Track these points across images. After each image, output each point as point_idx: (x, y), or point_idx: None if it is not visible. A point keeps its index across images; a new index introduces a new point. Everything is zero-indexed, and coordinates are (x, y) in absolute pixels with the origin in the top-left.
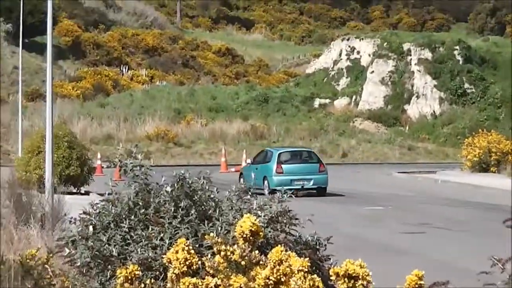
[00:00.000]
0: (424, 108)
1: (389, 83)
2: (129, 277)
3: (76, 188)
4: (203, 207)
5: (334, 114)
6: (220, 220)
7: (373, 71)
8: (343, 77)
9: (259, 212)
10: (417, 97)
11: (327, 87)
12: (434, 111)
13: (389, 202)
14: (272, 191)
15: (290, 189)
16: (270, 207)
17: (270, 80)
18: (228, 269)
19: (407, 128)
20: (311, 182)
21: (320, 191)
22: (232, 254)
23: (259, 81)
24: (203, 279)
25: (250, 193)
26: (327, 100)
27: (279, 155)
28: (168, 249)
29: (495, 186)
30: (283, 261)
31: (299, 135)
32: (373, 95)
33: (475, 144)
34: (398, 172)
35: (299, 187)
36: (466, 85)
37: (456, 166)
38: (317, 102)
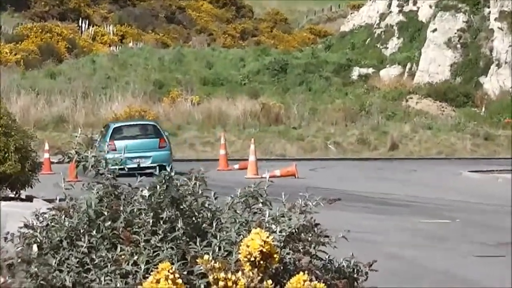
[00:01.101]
0: (507, 81)
1: (458, 46)
2: None
3: (15, 192)
4: (194, 218)
5: (380, 89)
6: (218, 237)
7: (435, 29)
8: (393, 38)
9: (273, 227)
10: (498, 65)
11: (370, 51)
12: None
13: (457, 213)
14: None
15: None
16: (289, 219)
17: (290, 41)
18: None
19: (484, 109)
20: (150, 160)
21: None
22: (235, 285)
23: (275, 42)
24: None
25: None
26: (371, 70)
27: (114, 129)
28: (145, 277)
29: None
30: None
31: (330, 118)
32: (436, 63)
33: None
34: (470, 171)
35: (135, 165)
36: None
37: None
38: (356, 72)
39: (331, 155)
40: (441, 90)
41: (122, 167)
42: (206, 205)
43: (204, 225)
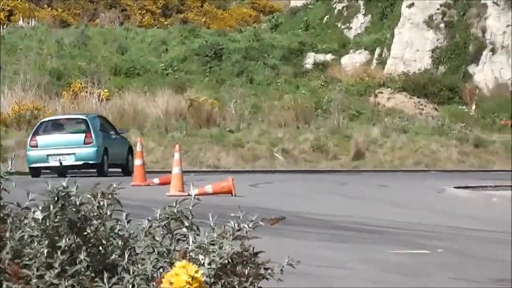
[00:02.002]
0: (504, 71)
1: (442, 25)
2: None
3: None
4: (101, 248)
5: (341, 81)
6: (131, 271)
7: (412, 4)
8: (358, 15)
9: (201, 257)
10: (492, 51)
11: (329, 32)
12: None
13: (440, 241)
14: (31, 171)
15: (47, 168)
16: (221, 247)
17: (227, 19)
18: None
19: (474, 107)
20: (73, 157)
21: (100, 170)
22: None
23: (206, 20)
24: None
25: (187, 222)
26: (330, 56)
27: (40, 124)
28: None
29: None
30: None
31: (277, 119)
32: (413, 47)
33: None
34: (457, 188)
35: (57, 164)
36: None
37: None
38: (310, 59)
39: (278, 166)
40: (420, 82)
41: (44, 165)
42: (117, 231)
43: (113, 256)
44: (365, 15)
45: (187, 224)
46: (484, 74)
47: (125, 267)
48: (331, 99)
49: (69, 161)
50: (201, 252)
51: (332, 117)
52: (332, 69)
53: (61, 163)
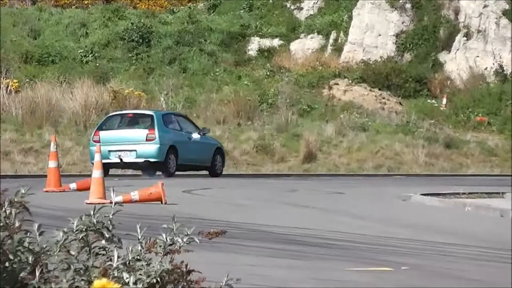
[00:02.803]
0: (481, 60)
1: (408, 6)
2: None
3: None
4: (8, 264)
5: (290, 71)
6: None
7: None
8: None
9: (125, 275)
10: (467, 36)
11: (276, 14)
12: (502, 67)
13: (404, 257)
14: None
15: (108, 164)
16: (148, 264)
17: None
18: None
19: (445, 101)
20: (134, 154)
21: (164, 169)
22: None
23: None
24: None
25: (108, 233)
26: (277, 42)
27: (107, 118)
28: None
29: None
30: None
31: (215, 115)
32: (374, 31)
33: None
34: (424, 195)
35: (117, 160)
36: None
37: None
38: (254, 45)
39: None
40: (382, 72)
41: (105, 161)
42: (26, 244)
43: (22, 273)
44: None
45: (108, 236)
46: (457, 63)
47: (36, 286)
48: (278, 91)
49: (130, 158)
50: (126, 269)
51: (279, 112)
52: (280, 56)
53: (121, 159)
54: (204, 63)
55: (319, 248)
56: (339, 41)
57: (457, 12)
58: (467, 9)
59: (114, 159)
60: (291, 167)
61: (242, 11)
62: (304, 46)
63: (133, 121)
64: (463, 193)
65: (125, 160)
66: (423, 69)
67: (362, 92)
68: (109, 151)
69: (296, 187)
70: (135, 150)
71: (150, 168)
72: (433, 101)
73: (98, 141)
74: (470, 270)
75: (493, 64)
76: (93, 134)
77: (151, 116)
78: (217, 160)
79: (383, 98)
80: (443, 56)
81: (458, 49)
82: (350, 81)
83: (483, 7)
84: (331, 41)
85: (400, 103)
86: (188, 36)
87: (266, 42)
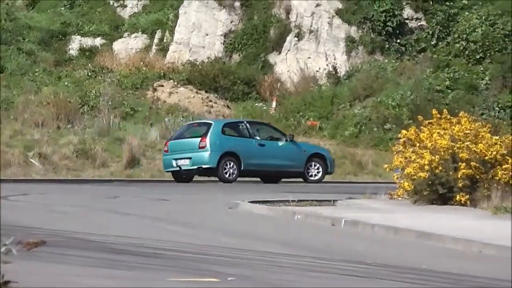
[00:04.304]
0: (313, 61)
1: (237, 4)
2: None
3: None
4: None
5: (113, 71)
6: None
7: None
8: None
9: None
10: (299, 36)
11: (99, 11)
12: (335, 69)
13: (232, 267)
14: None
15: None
16: None
17: None
18: None
19: (275, 105)
20: (190, 162)
21: (217, 175)
22: None
23: None
24: None
25: None
26: (99, 41)
27: (180, 129)
28: None
29: (457, 234)
30: None
31: (33, 117)
32: (201, 31)
33: (425, 144)
34: (253, 202)
35: (177, 168)
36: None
37: (381, 189)
38: (75, 43)
39: (34, 174)
40: (209, 74)
41: (171, 170)
42: None
43: None
44: None
45: None
46: (288, 64)
47: None
48: (100, 93)
49: (187, 165)
50: None
51: (101, 115)
52: (102, 56)
53: (180, 167)
54: (22, 62)
55: (142, 257)
56: (165, 40)
57: (288, 11)
58: (299, 8)
59: (176, 167)
60: (113, 173)
61: (62, 8)
62: (128, 46)
63: (195, 130)
64: (293, 201)
65: (183, 167)
66: (252, 70)
67: (188, 94)
68: (173, 159)
69: (118, 193)
70: (190, 158)
71: (205, 174)
72: (262, 104)
73: (167, 151)
74: (301, 280)
75: (326, 65)
76: (165, 144)
77: (210, 124)
78: (313, 166)
79: (210, 101)
80: (273, 57)
81: (289, 50)
82: (176, 83)
83: (316, 6)
84: (156, 40)
85: (228, 106)
86: (5, 34)
87: (88, 41)
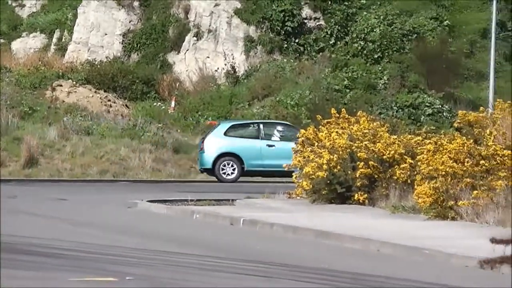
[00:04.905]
0: (212, 61)
1: (136, 4)
2: None
3: None
4: None
5: (11, 71)
6: None
7: None
8: None
9: None
10: (197, 36)
11: None
12: (234, 69)
13: (132, 267)
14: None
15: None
16: None
17: None
18: None
19: (174, 104)
20: (199, 163)
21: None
22: None
23: None
24: None
25: None
26: None
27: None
28: None
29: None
30: None
31: None
32: (100, 30)
33: (324, 143)
34: (151, 201)
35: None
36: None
37: (280, 188)
38: None
39: None
40: (108, 73)
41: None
42: None
43: None
44: None
45: None
46: (187, 63)
47: None
48: None
49: (198, 165)
50: None
51: (0, 115)
52: (0, 56)
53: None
54: None
55: (42, 257)
56: (63, 40)
57: (187, 11)
58: (198, 8)
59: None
60: (12, 172)
61: None
62: (27, 45)
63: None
64: (191, 200)
65: (200, 168)
66: (151, 70)
67: (86, 94)
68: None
69: (17, 192)
70: (199, 159)
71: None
72: (161, 103)
73: (202, 149)
74: (199, 280)
75: (225, 65)
76: (201, 142)
77: (217, 125)
78: None
79: (109, 100)
80: (172, 57)
81: (188, 50)
82: (74, 82)
83: (214, 6)
84: (54, 40)
85: (126, 105)
86: None
87: None
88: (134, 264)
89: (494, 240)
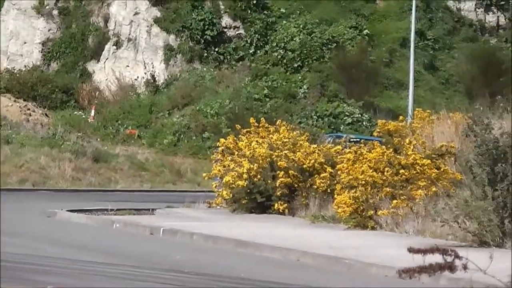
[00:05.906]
0: (132, 70)
1: (55, 13)
2: None
3: None
4: None
5: None
6: None
7: None
8: None
9: None
10: (117, 45)
11: None
12: (153, 78)
13: (53, 276)
14: None
15: None
16: None
17: None
18: None
19: (93, 113)
20: None
21: None
22: None
23: None
24: None
25: None
26: None
27: None
28: None
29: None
30: None
31: None
32: (19, 39)
33: (244, 152)
34: (70, 210)
35: None
36: None
37: (200, 198)
38: None
39: None
40: (27, 82)
41: None
42: None
43: None
44: None
45: None
46: (106, 72)
47: None
48: None
49: None
50: None
51: None
52: None
53: None
54: None
55: None
56: None
57: (106, 19)
58: (117, 17)
59: None
60: None
61: None
62: None
63: None
64: (111, 210)
65: None
66: (70, 79)
67: (6, 103)
68: None
69: None
70: None
71: None
72: (81, 112)
73: None
74: None
75: (144, 74)
76: None
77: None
78: None
79: (28, 109)
80: (92, 66)
81: (107, 58)
82: None
83: (134, 15)
84: None
85: (46, 114)
86: None
87: None
88: (54, 273)
89: (411, 250)
